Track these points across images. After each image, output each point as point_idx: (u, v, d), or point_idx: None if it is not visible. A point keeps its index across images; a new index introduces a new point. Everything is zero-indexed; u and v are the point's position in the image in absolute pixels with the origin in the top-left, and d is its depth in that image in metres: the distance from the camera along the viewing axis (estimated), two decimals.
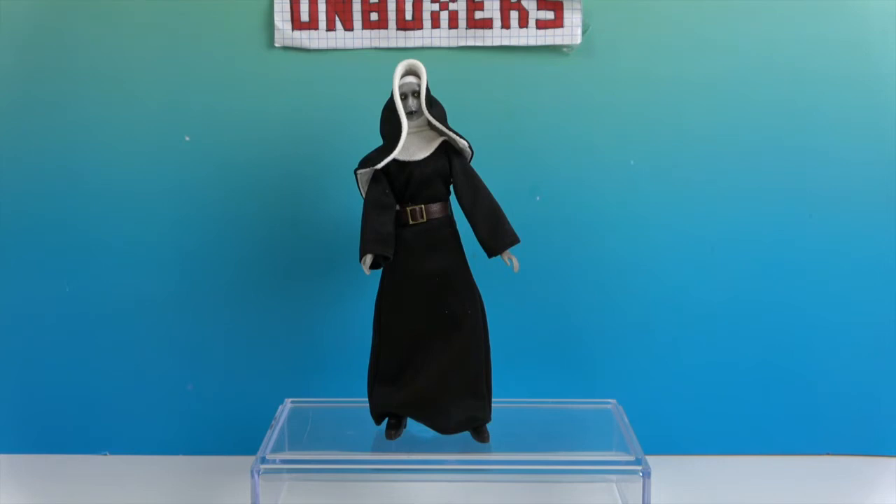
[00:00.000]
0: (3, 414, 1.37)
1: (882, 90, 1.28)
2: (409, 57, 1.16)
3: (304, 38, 1.29)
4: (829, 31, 1.28)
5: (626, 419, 1.23)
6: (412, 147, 1.13)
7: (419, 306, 1.14)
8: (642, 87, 1.30)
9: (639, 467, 1.11)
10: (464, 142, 1.13)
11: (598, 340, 1.35)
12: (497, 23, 1.28)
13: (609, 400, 1.30)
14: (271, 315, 1.35)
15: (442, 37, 1.29)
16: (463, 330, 1.14)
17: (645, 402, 1.34)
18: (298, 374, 1.35)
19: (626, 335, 1.34)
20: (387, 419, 1.19)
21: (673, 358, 1.34)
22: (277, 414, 1.26)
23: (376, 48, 1.29)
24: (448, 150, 1.14)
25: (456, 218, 1.15)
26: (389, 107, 1.12)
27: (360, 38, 1.29)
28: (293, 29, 1.29)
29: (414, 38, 1.29)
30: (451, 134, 1.13)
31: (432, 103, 1.13)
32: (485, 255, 1.14)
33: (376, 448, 1.18)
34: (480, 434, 1.17)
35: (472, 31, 1.29)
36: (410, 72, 1.13)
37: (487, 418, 1.17)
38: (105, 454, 1.38)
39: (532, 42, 1.28)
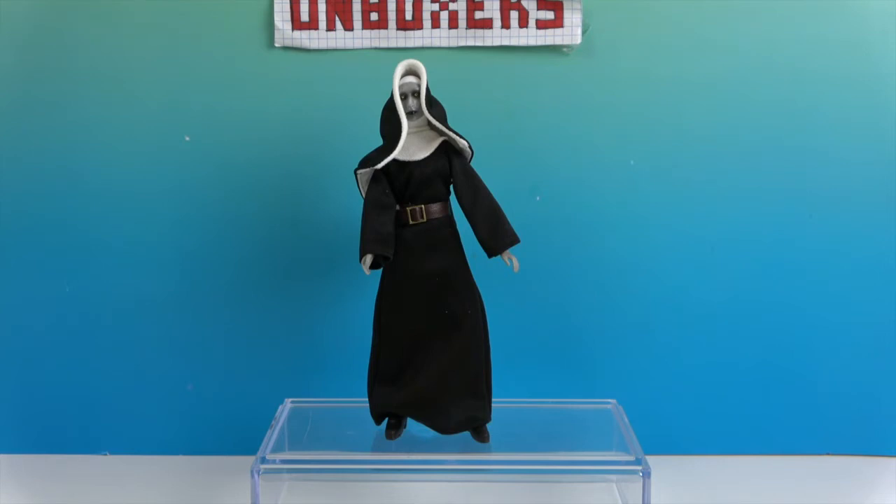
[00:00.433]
0: (3, 414, 1.37)
1: (882, 90, 1.28)
2: (409, 57, 1.16)
3: (304, 38, 1.29)
4: (829, 31, 1.28)
5: (626, 419, 1.23)
6: (412, 147, 1.13)
7: (419, 306, 1.14)
8: (642, 87, 1.30)
9: (639, 467, 1.11)
10: (464, 142, 1.13)
11: (598, 340, 1.35)
12: (497, 23, 1.28)
13: (609, 400, 1.30)
14: (271, 315, 1.35)
15: (442, 37, 1.29)
16: (463, 330, 1.14)
17: (645, 402, 1.34)
18: (298, 374, 1.35)
19: (626, 335, 1.34)
20: (387, 419, 1.19)
21: (673, 358, 1.34)
22: (277, 414, 1.26)
23: (376, 48, 1.29)
24: (448, 150, 1.14)
25: (456, 218, 1.15)
26: (389, 107, 1.12)
27: (360, 38, 1.29)
28: (293, 29, 1.29)
29: (414, 38, 1.29)
30: (451, 134, 1.13)
31: (432, 103, 1.13)
32: (485, 255, 1.14)
33: (376, 448, 1.18)
34: (480, 434, 1.17)
35: (472, 31, 1.29)
36: (410, 72, 1.13)
37: (487, 418, 1.17)
38: (105, 454, 1.38)
39: (532, 42, 1.28)
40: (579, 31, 1.28)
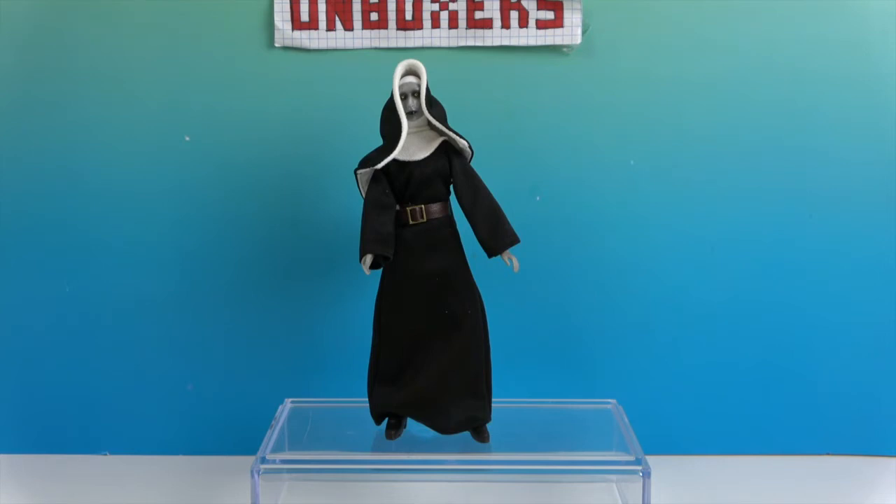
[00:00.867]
0: (3, 414, 1.37)
1: (882, 90, 1.28)
2: (409, 57, 1.16)
3: (304, 38, 1.29)
4: (829, 31, 1.28)
5: (626, 419, 1.23)
6: (412, 147, 1.13)
7: (419, 306, 1.14)
8: (642, 87, 1.30)
9: (639, 467, 1.11)
10: (464, 142, 1.13)
11: (598, 340, 1.35)
12: (497, 23, 1.28)
13: (609, 400, 1.30)
14: (271, 315, 1.35)
15: (442, 37, 1.29)
16: (463, 330, 1.14)
17: (645, 402, 1.34)
18: (298, 374, 1.35)
19: (626, 335, 1.34)
20: (387, 419, 1.19)
21: (673, 358, 1.34)
22: (277, 414, 1.26)
23: (376, 48, 1.29)
24: (448, 150, 1.14)
25: (456, 218, 1.15)
26: (389, 107, 1.12)
27: (360, 38, 1.29)
28: (293, 29, 1.29)
29: (414, 38, 1.29)
30: (451, 134, 1.13)
31: (432, 103, 1.13)
32: (485, 255, 1.14)
33: (376, 448, 1.18)
34: (480, 434, 1.17)
35: (472, 31, 1.29)
36: (410, 72, 1.13)
37: (487, 418, 1.17)
38: (105, 454, 1.38)
39: (532, 42, 1.28)
40: (579, 31, 1.28)
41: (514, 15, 1.28)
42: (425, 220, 1.13)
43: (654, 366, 1.35)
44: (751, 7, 1.28)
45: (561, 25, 1.28)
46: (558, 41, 1.28)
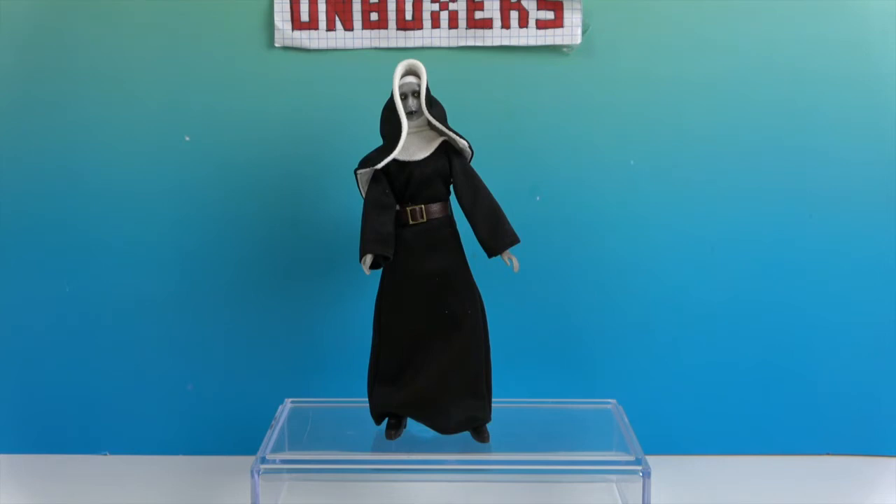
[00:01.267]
0: (3, 414, 1.37)
1: (882, 90, 1.28)
2: (409, 57, 1.16)
3: (304, 38, 1.29)
4: (829, 31, 1.28)
5: (626, 419, 1.23)
6: (412, 147, 1.13)
7: (419, 306, 1.14)
8: (642, 87, 1.30)
9: (639, 467, 1.11)
10: (464, 142, 1.13)
11: (598, 340, 1.35)
12: (497, 23, 1.28)
13: (609, 400, 1.30)
14: (271, 315, 1.35)
15: (442, 37, 1.29)
16: (463, 330, 1.14)
17: (645, 402, 1.34)
18: (298, 374, 1.35)
19: (626, 335, 1.34)
20: (387, 419, 1.19)
21: (673, 358, 1.34)
22: (277, 414, 1.26)
23: (376, 48, 1.29)
24: (448, 150, 1.14)
25: (456, 218, 1.15)
26: (389, 107, 1.12)
27: (360, 38, 1.29)
28: (293, 29, 1.29)
29: (414, 38, 1.29)
30: (451, 134, 1.13)
31: (432, 103, 1.13)
32: (485, 255, 1.14)
33: (376, 448, 1.18)
34: (480, 434, 1.17)
35: (472, 31, 1.29)
36: (410, 72, 1.13)
37: (487, 418, 1.17)
38: (105, 454, 1.38)
39: (532, 42, 1.28)
40: (579, 31, 1.28)
41: (514, 15, 1.28)
42: (425, 220, 1.13)
43: (654, 366, 1.35)
44: (751, 7, 1.28)
45: (561, 25, 1.28)
46: (558, 41, 1.28)
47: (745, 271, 1.33)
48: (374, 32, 1.29)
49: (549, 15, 1.28)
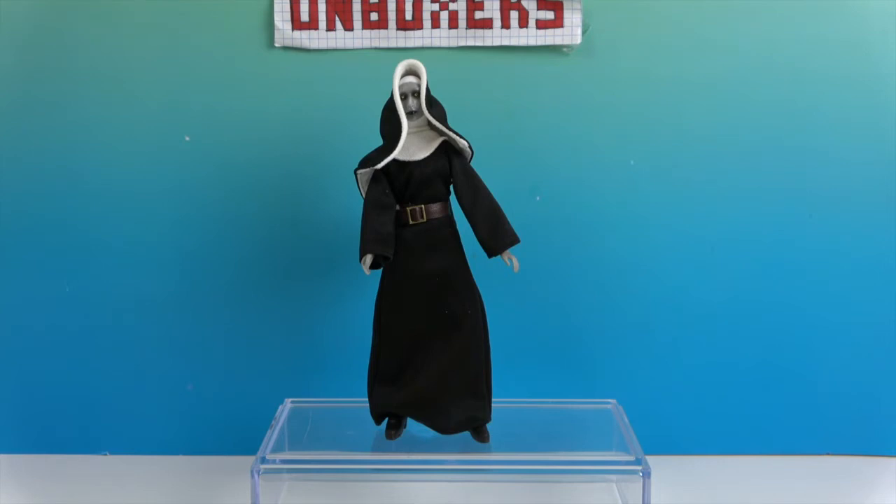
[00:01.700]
0: (3, 414, 1.37)
1: (882, 90, 1.28)
2: (409, 57, 1.16)
3: (304, 38, 1.29)
4: (829, 31, 1.28)
5: (626, 419, 1.23)
6: (412, 147, 1.13)
7: (419, 306, 1.14)
8: (642, 87, 1.30)
9: (639, 467, 1.11)
10: (464, 142, 1.13)
11: (598, 340, 1.35)
12: (497, 23, 1.28)
13: (609, 400, 1.30)
14: (271, 315, 1.35)
15: (442, 37, 1.29)
16: (463, 330, 1.14)
17: (645, 402, 1.34)
18: (298, 374, 1.35)
19: (626, 335, 1.34)
20: (387, 419, 1.19)
21: (673, 358, 1.34)
22: (277, 414, 1.26)
23: (376, 48, 1.29)
24: (448, 150, 1.14)
25: (456, 218, 1.15)
26: (389, 107, 1.12)
27: (360, 38, 1.29)
28: (293, 29, 1.29)
29: (414, 38, 1.29)
30: (451, 134, 1.13)
31: (432, 103, 1.13)
32: (485, 254, 1.14)
33: (376, 448, 1.18)
34: (480, 434, 1.17)
35: (472, 31, 1.29)
36: (410, 72, 1.13)
37: (487, 418, 1.17)
38: (105, 454, 1.38)
39: (532, 42, 1.28)
40: (579, 31, 1.28)
41: (514, 15, 1.28)
42: (425, 220, 1.13)
43: (654, 366, 1.35)
44: (751, 7, 1.28)
45: (561, 25, 1.28)
46: (558, 41, 1.28)
47: (745, 271, 1.33)
48: (374, 32, 1.29)
49: (549, 15, 1.28)
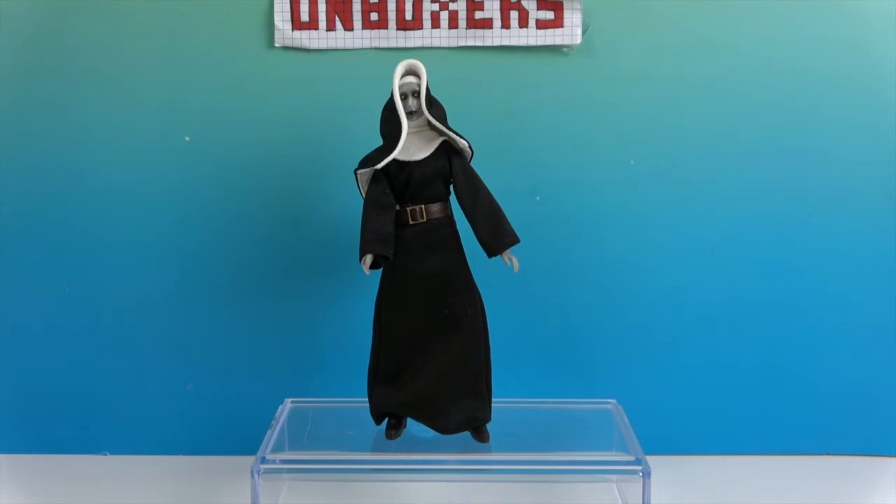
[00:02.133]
0: (3, 414, 1.37)
1: (882, 90, 1.28)
2: (409, 57, 1.16)
3: (304, 38, 1.29)
4: (829, 31, 1.28)
5: (626, 419, 1.23)
6: (412, 147, 1.13)
7: (419, 306, 1.14)
8: (642, 87, 1.30)
9: (639, 467, 1.11)
10: (464, 142, 1.13)
11: (598, 340, 1.35)
12: (497, 23, 1.28)
13: (609, 400, 1.30)
14: (271, 315, 1.35)
15: (442, 37, 1.29)
16: (463, 330, 1.14)
17: (645, 402, 1.34)
18: (298, 374, 1.35)
19: (626, 335, 1.34)
20: (387, 419, 1.19)
21: (673, 358, 1.34)
22: (277, 414, 1.26)
23: (376, 48, 1.29)
24: (448, 150, 1.14)
25: (456, 218, 1.15)
26: (389, 107, 1.12)
27: (360, 38, 1.29)
28: (293, 29, 1.29)
29: (414, 38, 1.29)
30: (451, 134, 1.13)
31: (432, 103, 1.13)
32: (485, 254, 1.14)
33: (376, 448, 1.18)
34: (480, 434, 1.17)
35: (472, 31, 1.29)
36: (410, 72, 1.13)
37: (487, 418, 1.17)
38: (105, 454, 1.38)
39: (532, 42, 1.28)
40: (579, 31, 1.28)
41: (514, 15, 1.28)
42: (425, 220, 1.13)
43: (654, 366, 1.35)
44: (751, 7, 1.28)
45: (561, 25, 1.28)
46: (558, 41, 1.28)
47: (745, 271, 1.33)
48: (374, 32, 1.29)
49: (549, 15, 1.28)
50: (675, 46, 1.29)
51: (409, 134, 1.12)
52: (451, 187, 1.15)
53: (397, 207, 1.14)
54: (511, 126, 1.30)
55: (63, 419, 1.37)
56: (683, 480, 1.28)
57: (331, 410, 1.29)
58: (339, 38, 1.29)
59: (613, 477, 1.24)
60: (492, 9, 1.28)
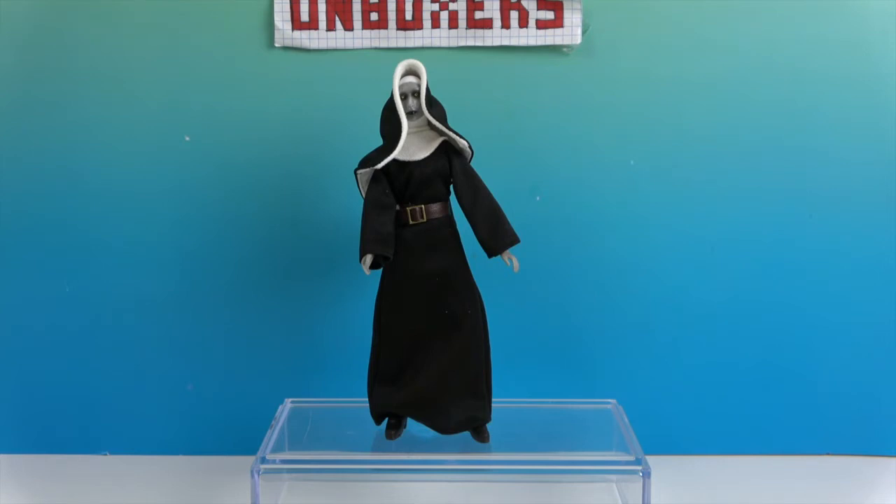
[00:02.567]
0: (3, 414, 1.37)
1: (882, 90, 1.28)
2: (409, 57, 1.16)
3: (304, 38, 1.29)
4: (829, 31, 1.28)
5: (626, 419, 1.23)
6: (412, 147, 1.13)
7: (419, 306, 1.14)
8: (642, 87, 1.30)
9: (639, 467, 1.11)
10: (464, 142, 1.13)
11: (598, 340, 1.35)
12: (497, 23, 1.28)
13: (609, 400, 1.30)
14: (271, 315, 1.35)
15: (442, 37, 1.29)
16: (463, 330, 1.14)
17: (645, 402, 1.34)
18: (298, 374, 1.35)
19: (626, 335, 1.34)
20: (387, 419, 1.19)
21: (673, 358, 1.34)
22: (277, 414, 1.26)
23: (376, 48, 1.29)
24: (448, 150, 1.14)
25: (456, 218, 1.15)
26: (389, 107, 1.12)
27: (360, 38, 1.29)
28: (293, 29, 1.29)
29: (414, 38, 1.29)
30: (451, 134, 1.13)
31: (432, 103, 1.13)
32: (485, 254, 1.14)
33: (376, 448, 1.18)
34: (480, 434, 1.17)
35: (472, 31, 1.29)
36: (410, 72, 1.13)
37: (487, 418, 1.17)
38: (105, 454, 1.38)
39: (532, 42, 1.28)
40: (579, 31, 1.28)
41: (514, 15, 1.28)
42: (425, 220, 1.13)
43: (654, 366, 1.35)
44: (751, 7, 1.28)
45: (561, 25, 1.28)
46: (558, 41, 1.28)
47: (745, 271, 1.33)
48: (374, 32, 1.29)
49: (549, 15, 1.28)
50: (675, 46, 1.29)
51: (409, 134, 1.12)
52: (451, 187, 1.15)
53: (397, 207, 1.14)
54: (511, 126, 1.30)
55: (63, 419, 1.37)
56: (683, 480, 1.28)
57: (331, 410, 1.29)
58: (339, 38, 1.29)
59: (613, 477, 1.24)
60: (492, 9, 1.28)
